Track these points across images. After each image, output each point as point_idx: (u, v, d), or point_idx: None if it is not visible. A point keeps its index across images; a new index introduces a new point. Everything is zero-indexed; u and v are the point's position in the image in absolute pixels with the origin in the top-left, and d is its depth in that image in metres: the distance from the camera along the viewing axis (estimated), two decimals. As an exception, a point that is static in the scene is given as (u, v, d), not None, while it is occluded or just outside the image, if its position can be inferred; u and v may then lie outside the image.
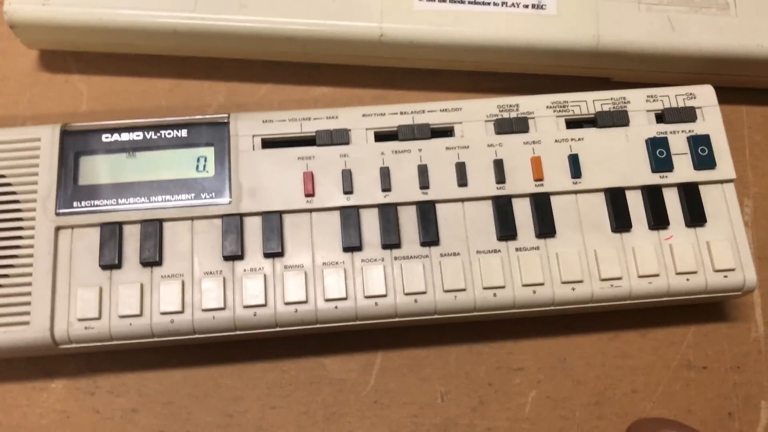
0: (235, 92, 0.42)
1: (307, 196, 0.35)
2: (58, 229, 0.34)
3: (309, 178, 0.35)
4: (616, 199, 0.35)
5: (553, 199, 0.35)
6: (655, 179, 0.36)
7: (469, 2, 0.39)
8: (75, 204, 0.34)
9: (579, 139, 0.36)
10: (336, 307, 0.33)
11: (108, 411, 0.35)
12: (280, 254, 0.34)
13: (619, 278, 0.34)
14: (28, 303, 0.33)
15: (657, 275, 0.34)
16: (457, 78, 0.42)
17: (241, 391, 0.36)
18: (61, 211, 0.34)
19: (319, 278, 0.34)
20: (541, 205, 0.35)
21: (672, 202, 0.35)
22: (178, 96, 0.41)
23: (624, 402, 0.36)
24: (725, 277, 0.34)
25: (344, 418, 0.36)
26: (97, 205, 0.34)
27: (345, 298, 0.33)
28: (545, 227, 0.35)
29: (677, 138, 0.36)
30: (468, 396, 0.36)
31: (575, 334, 0.38)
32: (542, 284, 0.34)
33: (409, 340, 0.37)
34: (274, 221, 0.34)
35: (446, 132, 0.36)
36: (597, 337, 0.38)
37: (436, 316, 0.34)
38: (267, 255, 0.34)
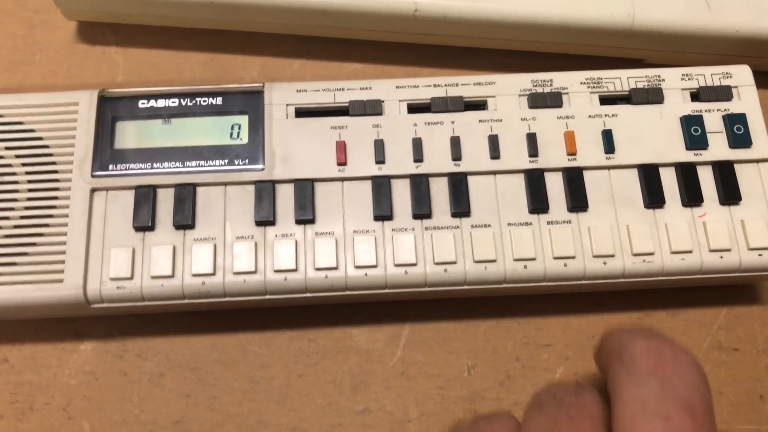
0: (269, 67, 0.42)
1: (339, 164, 0.35)
2: (93, 191, 0.34)
3: (341, 148, 0.35)
4: (649, 175, 0.35)
5: (586, 174, 0.35)
6: (689, 156, 0.35)
7: (504, -21, 0.39)
8: (110, 167, 0.35)
9: (613, 115, 0.36)
10: (366, 274, 0.33)
11: (136, 374, 0.36)
12: (312, 221, 0.34)
13: (651, 253, 0.34)
14: (62, 261, 0.33)
15: (690, 251, 0.34)
16: (489, 56, 0.42)
17: (268, 358, 0.36)
18: (97, 173, 0.34)
19: (350, 245, 0.34)
20: (574, 179, 0.35)
21: (706, 179, 0.35)
22: (213, 69, 0.42)
23: (653, 382, 0.36)
24: (759, 255, 0.34)
25: (370, 388, 0.36)
26: (131, 169, 0.35)
27: (375, 266, 0.33)
28: (577, 201, 0.34)
29: (712, 116, 0.36)
30: (495, 370, 0.36)
31: (605, 312, 0.37)
32: (573, 257, 0.34)
33: (437, 313, 0.37)
34: (306, 188, 0.34)
35: (479, 105, 0.36)
36: (627, 316, 0.37)
37: (465, 287, 0.34)
38: (298, 221, 0.34)
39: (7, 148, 0.35)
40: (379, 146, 0.35)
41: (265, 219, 0.34)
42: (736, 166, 0.35)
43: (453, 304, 0.37)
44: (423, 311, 0.37)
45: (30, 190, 0.34)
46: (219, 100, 0.36)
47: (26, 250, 0.33)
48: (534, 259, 0.34)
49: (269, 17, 0.40)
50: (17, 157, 0.35)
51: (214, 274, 0.33)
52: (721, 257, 0.34)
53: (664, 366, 0.24)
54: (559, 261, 0.34)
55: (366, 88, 0.36)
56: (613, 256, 0.34)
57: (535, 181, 0.35)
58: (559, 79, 0.37)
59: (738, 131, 0.36)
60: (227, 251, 0.33)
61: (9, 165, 0.35)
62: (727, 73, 0.37)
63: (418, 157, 0.35)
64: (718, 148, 0.35)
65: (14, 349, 0.36)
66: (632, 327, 0.29)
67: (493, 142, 0.35)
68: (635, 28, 0.38)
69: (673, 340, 0.26)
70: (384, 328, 0.37)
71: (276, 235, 0.34)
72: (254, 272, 0.33)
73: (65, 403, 0.35)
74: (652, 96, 0.36)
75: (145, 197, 0.34)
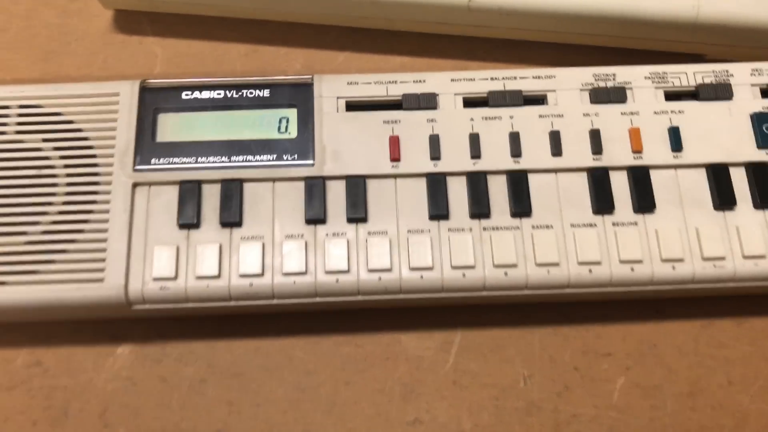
0: (312, 59, 0.40)
1: (392, 160, 0.33)
2: (135, 185, 0.33)
3: (395, 143, 0.33)
4: (719, 175, 0.33)
5: (652, 173, 0.33)
6: (761, 156, 0.34)
7: (562, -31, 0.37)
8: (153, 161, 0.33)
9: (679, 112, 0.34)
10: (421, 277, 0.32)
11: (175, 379, 0.34)
12: (364, 220, 0.32)
13: (723, 258, 0.32)
14: (103, 260, 0.31)
15: (763, 256, 0.32)
16: (543, 51, 0.40)
17: (313, 364, 0.34)
18: (139, 167, 0.33)
19: (404, 246, 0.32)
20: (640, 178, 0.33)
21: (779, 180, 0.33)
22: (254, 61, 0.40)
23: (719, 394, 0.34)
24: (838, 261, 0.32)
25: (422, 397, 0.34)
26: (175, 163, 0.33)
27: (431, 268, 0.32)
28: (644, 201, 0.33)
29: (785, 114, 0.34)
30: (552, 380, 0.34)
31: (666, 319, 0.36)
32: (641, 261, 0.32)
33: (490, 320, 0.35)
34: (358, 185, 0.33)
35: (539, 100, 0.35)
36: (689, 324, 0.36)
37: (526, 292, 0.32)
38: (350, 220, 0.32)
39: (45, 140, 0.33)
40: (435, 142, 0.33)
41: (316, 217, 0.32)
42: (811, 166, 0.33)
43: (506, 311, 0.35)
44: (475, 317, 0.35)
45: (69, 184, 0.33)
46: (266, 93, 0.34)
47: (65, 247, 0.32)
48: (599, 263, 0.32)
49: (314, 7, 0.38)
50: (56, 149, 0.33)
51: (262, 274, 0.31)
52: (797, 263, 0.32)
53: None
54: (626, 265, 0.32)
55: (420, 81, 0.35)
56: (682, 260, 0.32)
57: (599, 179, 0.33)
58: (623, 73, 0.35)
59: (812, 130, 0.34)
60: (276, 251, 0.32)
61: (47, 158, 0.33)
62: (799, 69, 0.35)
63: (476, 154, 0.33)
64: (792, 147, 0.34)
65: (49, 352, 0.34)
66: None
67: (555, 138, 0.33)
68: (699, 21, 0.36)
69: None
70: (435, 335, 0.35)
71: (327, 234, 0.32)
72: (305, 273, 0.31)
73: (101, 410, 0.33)
74: (720, 92, 0.35)
75: (190, 193, 0.32)
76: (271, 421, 0.33)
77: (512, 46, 0.40)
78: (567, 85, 0.35)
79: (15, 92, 0.34)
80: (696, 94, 0.35)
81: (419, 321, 0.35)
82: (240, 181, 0.33)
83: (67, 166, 0.33)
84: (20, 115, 0.34)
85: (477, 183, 0.33)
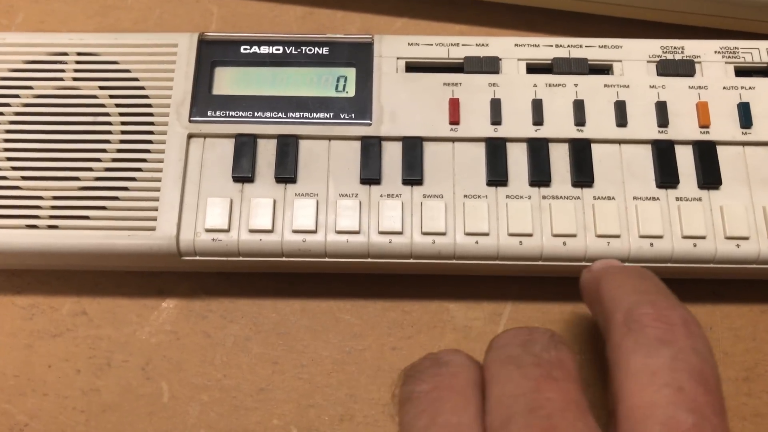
0: (369, 24, 0.40)
1: (451, 123, 0.32)
2: (190, 136, 0.32)
3: (455, 106, 0.33)
4: (789, 153, 0.32)
5: (719, 149, 0.32)
6: (834, 136, 0.32)
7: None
8: (209, 113, 0.33)
9: (750, 88, 0.33)
10: (477, 243, 0.31)
11: (220, 336, 0.34)
12: (420, 182, 0.32)
13: (791, 239, 0.31)
14: (155, 209, 0.31)
15: (833, 240, 0.31)
16: (604, 25, 0.39)
17: (360, 328, 0.34)
18: (195, 119, 0.32)
19: (460, 210, 0.31)
20: (707, 153, 0.32)
21: None
22: (310, 24, 0.40)
23: (772, 381, 0.33)
24: None
25: (469, 367, 0.33)
26: (231, 116, 0.32)
27: (487, 234, 0.31)
28: (710, 177, 0.32)
29: None
30: (602, 358, 0.33)
31: (723, 302, 0.34)
32: (704, 237, 0.31)
33: (541, 292, 0.34)
34: (415, 147, 0.32)
35: (604, 70, 0.34)
36: (748, 308, 0.34)
37: (584, 263, 0.31)
38: (406, 182, 0.32)
39: (102, 88, 0.33)
40: (496, 106, 0.33)
41: (371, 177, 0.32)
42: None
43: (558, 283, 0.34)
44: (526, 289, 0.34)
45: (123, 132, 0.32)
46: (325, 50, 0.34)
47: (118, 194, 0.31)
48: (661, 237, 0.31)
49: (374, -30, 0.37)
50: (111, 97, 0.33)
51: (315, 231, 0.31)
52: None
53: (676, 336, 0.23)
54: (688, 240, 0.31)
55: (483, 45, 0.34)
56: (747, 238, 0.31)
57: (664, 152, 0.32)
58: (691, 47, 0.34)
59: None
60: (330, 209, 0.31)
61: (102, 105, 0.33)
62: None
63: (538, 120, 0.32)
64: None
65: (94, 302, 0.34)
66: (618, 271, 0.27)
67: (620, 108, 0.32)
68: (773, -2, 0.35)
69: (677, 304, 0.25)
70: (483, 305, 0.34)
71: (381, 195, 0.32)
72: (358, 232, 0.31)
73: (144, 362, 0.33)
74: (794, 69, 0.33)
75: (246, 147, 0.32)
76: (315, 382, 0.33)
77: (572, 19, 0.39)
78: (634, 56, 0.34)
79: (73, 39, 0.34)
80: (768, 70, 0.34)
81: (469, 290, 0.34)
82: (296, 138, 0.32)
83: (122, 115, 0.33)
84: (78, 62, 0.34)
85: (538, 150, 0.32)
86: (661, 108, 0.33)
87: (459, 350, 0.26)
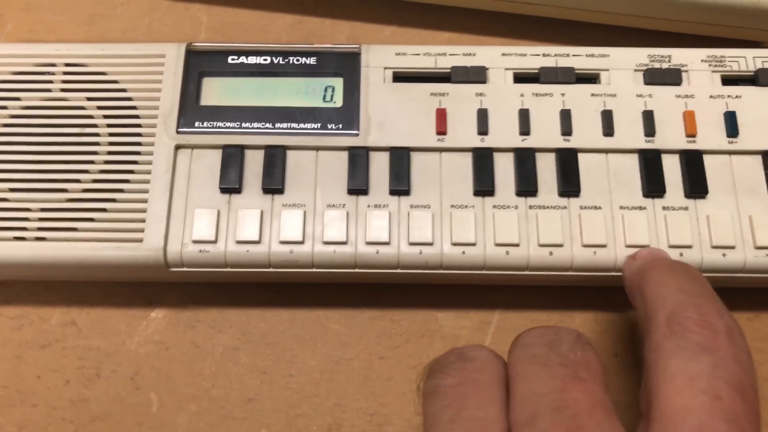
0: (358, 32, 0.40)
1: (438, 133, 0.32)
2: (177, 147, 0.32)
3: (441, 116, 0.33)
4: (775, 162, 0.32)
5: (706, 158, 0.32)
6: (820, 145, 0.32)
7: (619, -53, 0.36)
8: (197, 124, 0.33)
9: (736, 97, 0.33)
10: (463, 253, 0.31)
11: (208, 346, 0.34)
12: (407, 192, 0.32)
13: (776, 248, 0.31)
14: (143, 220, 0.31)
15: (820, 248, 0.31)
16: (592, 32, 0.39)
17: (348, 337, 0.34)
18: (182, 129, 0.32)
19: (447, 221, 0.31)
20: (693, 162, 0.32)
21: (838, 170, 0.32)
22: (300, 32, 0.40)
23: (765, 388, 0.33)
24: None
25: (457, 376, 0.33)
26: (219, 127, 0.33)
27: (474, 244, 0.31)
28: (697, 186, 0.32)
29: None
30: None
31: (711, 311, 0.35)
32: (690, 246, 0.31)
33: (529, 301, 0.34)
34: (402, 157, 0.32)
35: (591, 79, 0.34)
36: (735, 316, 0.34)
37: (571, 273, 0.31)
38: (393, 192, 0.32)
39: (89, 99, 0.33)
40: (483, 116, 0.33)
41: (359, 187, 0.32)
42: None
43: (546, 292, 0.34)
44: (514, 298, 0.35)
45: (111, 143, 0.32)
46: (313, 60, 0.34)
47: (105, 206, 0.31)
48: (648, 247, 0.31)
49: (362, -21, 0.37)
50: (99, 108, 0.33)
51: (302, 242, 0.31)
52: None
53: (718, 344, 0.23)
54: (674, 250, 0.31)
55: (470, 54, 0.34)
56: (733, 247, 0.31)
57: (651, 162, 0.32)
58: (678, 56, 0.34)
59: None
60: (317, 219, 0.31)
61: (90, 116, 0.33)
62: None
63: (525, 130, 0.32)
64: None
65: (83, 312, 0.34)
66: (665, 267, 0.27)
67: (607, 117, 0.33)
68: (762, 5, 0.35)
69: (723, 310, 0.25)
70: (472, 314, 0.35)
71: (369, 206, 0.32)
72: (345, 243, 0.31)
73: (133, 372, 0.33)
74: (780, 78, 0.33)
75: (233, 157, 0.32)
76: (304, 392, 0.33)
77: (562, 26, 0.40)
78: (621, 64, 0.34)
79: (61, 50, 0.34)
80: (755, 79, 0.34)
81: (457, 299, 0.35)
82: (283, 148, 0.32)
83: (110, 126, 0.33)
84: (66, 73, 0.34)
85: (525, 160, 0.32)
86: (648, 117, 0.33)
87: (484, 346, 0.26)
